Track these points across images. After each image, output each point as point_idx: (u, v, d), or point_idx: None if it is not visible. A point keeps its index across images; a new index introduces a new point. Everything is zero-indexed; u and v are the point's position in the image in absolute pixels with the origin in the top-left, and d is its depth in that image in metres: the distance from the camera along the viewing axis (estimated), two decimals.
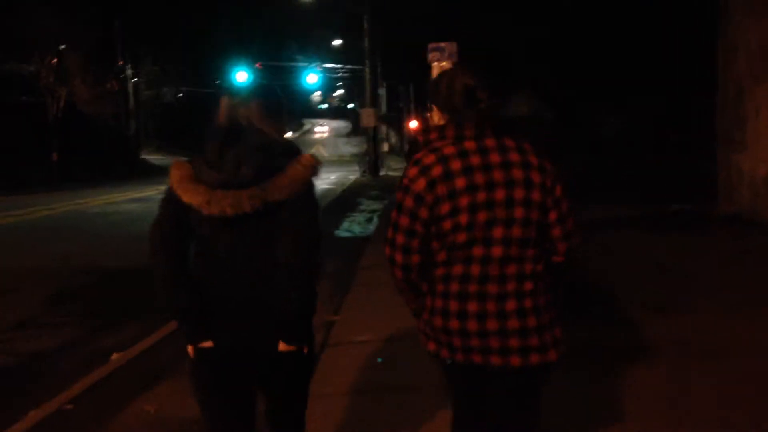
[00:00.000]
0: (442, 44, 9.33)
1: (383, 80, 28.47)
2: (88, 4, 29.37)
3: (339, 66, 32.27)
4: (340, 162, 38.93)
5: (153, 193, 20.04)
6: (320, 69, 31.94)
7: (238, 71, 30.64)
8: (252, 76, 30.77)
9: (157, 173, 33.15)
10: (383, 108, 28.42)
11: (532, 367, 2.09)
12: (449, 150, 2.06)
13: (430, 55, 9.36)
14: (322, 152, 51.12)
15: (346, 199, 17.15)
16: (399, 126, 37.31)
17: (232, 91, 2.34)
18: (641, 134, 28.55)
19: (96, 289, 7.38)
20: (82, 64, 30.09)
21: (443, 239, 2.07)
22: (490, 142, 2.08)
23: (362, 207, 15.48)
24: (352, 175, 28.18)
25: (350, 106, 72.30)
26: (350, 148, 53.83)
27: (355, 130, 56.31)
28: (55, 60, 27.66)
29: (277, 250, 2.11)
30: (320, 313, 2.54)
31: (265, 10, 42.28)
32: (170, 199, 2.16)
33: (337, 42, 35.41)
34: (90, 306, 6.65)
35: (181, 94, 50.84)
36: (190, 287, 2.18)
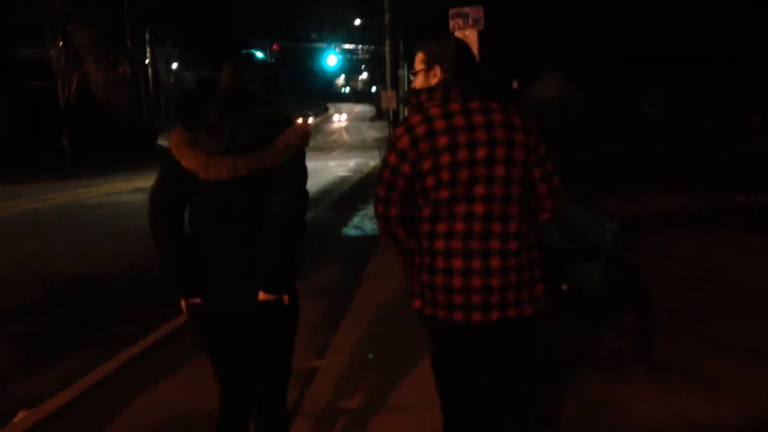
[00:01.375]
0: (466, 9, 7.93)
1: (405, 61, 26.92)
2: None
3: (359, 47, 30.77)
4: (362, 147, 37.55)
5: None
6: (340, 50, 30.52)
7: (255, 53, 29.37)
8: (267, 57, 29.59)
9: None
10: (405, 90, 26.92)
11: (510, 320, 2.17)
12: (435, 111, 2.18)
13: (452, 22, 7.98)
14: (345, 137, 49.71)
15: (362, 189, 15.77)
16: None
17: (233, 61, 2.42)
18: (703, 112, 26.51)
19: (38, 307, 5.96)
20: (94, 46, 28.96)
21: (427, 196, 2.18)
22: (474, 105, 2.19)
23: None
24: (372, 161, 26.85)
25: (374, 89, 70.81)
26: (373, 132, 52.04)
27: (380, 114, 54.84)
28: (61, 42, 26.41)
29: (266, 208, 2.22)
30: (302, 353, 2.57)
31: None
32: (169, 164, 2.28)
33: (358, 22, 33.86)
34: (22, 330, 5.28)
35: (206, 80, 50.09)
36: (183, 247, 2.31)
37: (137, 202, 13.78)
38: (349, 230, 9.37)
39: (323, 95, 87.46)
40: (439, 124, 2.14)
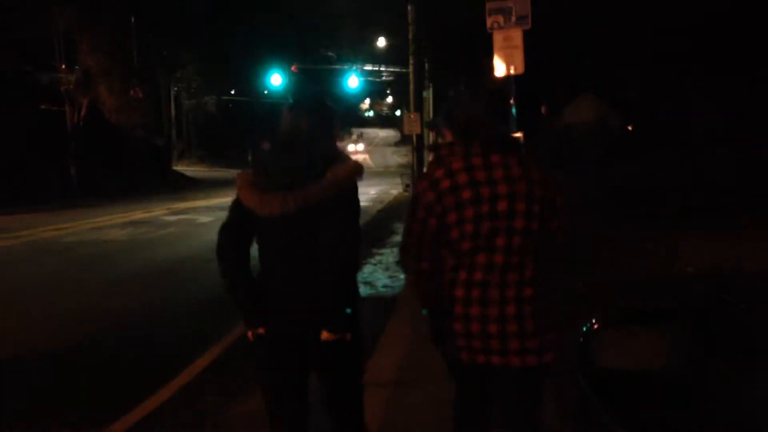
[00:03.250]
0: (509, 2, 6.12)
1: (430, 82, 25.22)
2: (112, 4, 27.03)
3: (381, 68, 29.19)
4: (385, 173, 35.97)
5: (161, 212, 17.32)
6: (361, 71, 28.93)
7: (272, 74, 28.07)
8: (286, 79, 28.21)
9: (191, 187, 30.81)
10: (429, 113, 25.15)
11: (530, 367, 2.28)
12: (457, 165, 2.31)
13: (490, 20, 6.23)
14: (369, 162, 48.37)
15: (379, 224, 14.00)
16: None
17: (291, 106, 2.58)
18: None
19: None
20: (105, 69, 27.78)
21: (451, 247, 2.31)
22: (495, 159, 2.31)
23: (396, 238, 12.09)
24: (394, 189, 25.08)
25: (398, 113, 69.40)
26: (398, 158, 50.73)
27: (404, 139, 53.40)
28: (64, 65, 25.20)
29: (320, 244, 2.32)
30: None
31: (303, 13, 39.56)
32: (236, 203, 2.49)
33: (381, 42, 32.37)
34: None
35: (228, 104, 49.14)
36: (249, 281, 2.47)
37: (122, 241, 12.17)
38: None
39: (348, 120, 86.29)
40: (462, 178, 2.28)
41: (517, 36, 6.23)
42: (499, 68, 6.69)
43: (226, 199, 18.87)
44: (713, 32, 23.68)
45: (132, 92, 28.30)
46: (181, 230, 13.60)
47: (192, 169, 43.40)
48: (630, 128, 30.26)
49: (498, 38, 6.24)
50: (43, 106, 25.64)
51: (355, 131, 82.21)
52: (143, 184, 28.75)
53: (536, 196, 2.28)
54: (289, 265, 2.42)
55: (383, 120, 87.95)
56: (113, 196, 23.97)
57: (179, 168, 40.61)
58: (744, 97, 25.29)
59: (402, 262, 2.46)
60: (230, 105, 50.48)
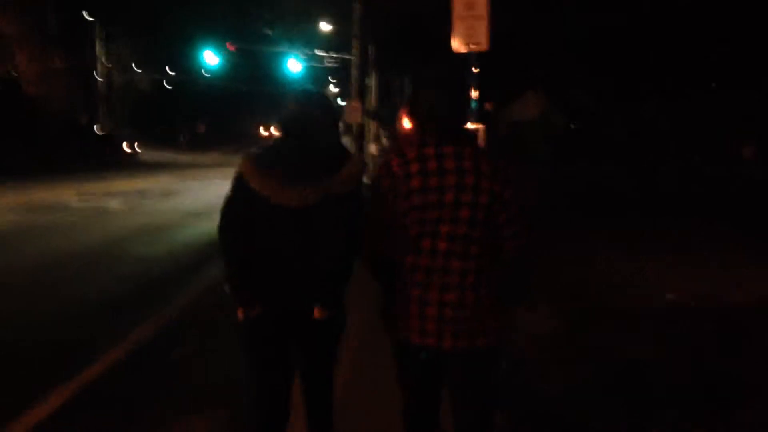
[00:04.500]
0: None
1: (375, 69, 23.97)
2: None
3: (324, 54, 27.76)
4: None
5: (70, 196, 15.54)
6: (304, 56, 27.42)
7: (206, 51, 26.32)
8: (222, 58, 26.53)
9: (114, 167, 28.67)
10: (372, 102, 23.92)
11: (463, 350, 2.38)
12: (411, 154, 2.40)
13: None
14: None
15: None
16: (392, 125, 32.91)
17: (299, 98, 2.67)
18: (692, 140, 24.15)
19: None
20: (24, 34, 25.42)
21: (402, 232, 2.39)
22: (448, 150, 2.38)
23: None
24: None
25: (343, 103, 67.88)
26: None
27: (348, 130, 51.85)
28: None
29: (328, 236, 2.49)
30: None
31: None
32: (240, 185, 2.53)
33: (326, 27, 30.89)
34: None
35: (162, 82, 46.54)
36: (246, 262, 2.54)
37: (6, 230, 10.51)
38: None
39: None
40: (414, 167, 2.37)
41: (481, 4, 5.09)
42: (458, 43, 5.58)
43: (148, 184, 16.96)
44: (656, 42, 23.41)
45: (51, 61, 25.91)
46: (84, 218, 11.99)
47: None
48: (573, 126, 29.85)
49: (458, 5, 5.08)
50: None
51: None
52: (62, 163, 26.50)
53: (484, 188, 2.34)
54: (292, 250, 2.52)
55: None
56: (25, 175, 21.81)
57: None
58: (690, 106, 25.15)
59: (361, 251, 2.54)
60: (165, 83, 47.93)
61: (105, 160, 31.21)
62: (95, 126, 34.58)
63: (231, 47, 26.82)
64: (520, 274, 2.48)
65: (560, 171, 19.88)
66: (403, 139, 3.36)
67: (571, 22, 21.47)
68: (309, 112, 2.59)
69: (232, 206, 2.58)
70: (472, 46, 5.72)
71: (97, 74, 41.28)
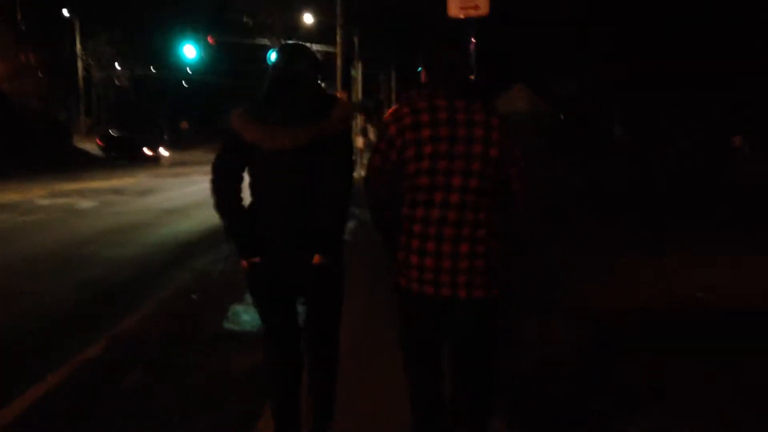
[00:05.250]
0: None
1: (361, 61, 23.24)
2: None
3: (308, 46, 26.96)
4: None
5: (38, 194, 14.71)
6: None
7: (185, 45, 25.45)
8: (203, 53, 25.71)
9: (92, 166, 27.61)
10: (358, 93, 23.18)
11: (477, 300, 2.41)
12: (422, 104, 2.42)
13: None
14: None
15: None
16: (378, 119, 32.22)
17: (284, 49, 2.72)
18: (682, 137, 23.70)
19: None
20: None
21: (408, 182, 2.41)
22: (459, 103, 2.42)
23: None
24: None
25: None
26: None
27: None
28: None
29: (320, 177, 2.53)
30: None
31: None
32: (231, 138, 2.59)
33: (309, 20, 30.14)
34: None
35: (142, 78, 45.44)
36: (243, 213, 2.62)
37: None
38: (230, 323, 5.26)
39: None
40: (425, 117, 2.39)
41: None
42: (455, 7, 4.92)
43: (125, 182, 16.04)
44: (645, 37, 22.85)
45: (23, 57, 24.94)
46: (50, 217, 11.20)
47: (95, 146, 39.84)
48: (562, 117, 29.26)
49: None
50: None
51: None
52: (36, 162, 25.50)
53: (494, 141, 2.38)
54: (287, 197, 2.56)
55: None
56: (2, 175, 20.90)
57: (88, 145, 37.06)
58: (681, 103, 24.66)
59: (366, 194, 2.52)
60: (145, 80, 46.85)
61: (78, 158, 30.31)
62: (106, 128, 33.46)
63: (211, 41, 25.98)
64: (527, 219, 2.50)
65: (554, 166, 19.30)
66: (406, 92, 2.42)
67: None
68: (296, 62, 2.63)
69: (224, 160, 2.62)
70: (470, 11, 5.07)
71: (75, 71, 40.33)
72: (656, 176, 17.80)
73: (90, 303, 5.85)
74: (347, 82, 18.35)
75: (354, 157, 2.68)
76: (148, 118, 45.33)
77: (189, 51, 25.48)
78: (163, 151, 32.35)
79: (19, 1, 25.51)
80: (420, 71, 2.56)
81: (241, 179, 2.64)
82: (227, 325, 4.80)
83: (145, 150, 30.67)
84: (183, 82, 46.97)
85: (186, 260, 7.69)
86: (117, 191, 16.19)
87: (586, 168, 19.72)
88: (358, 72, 22.75)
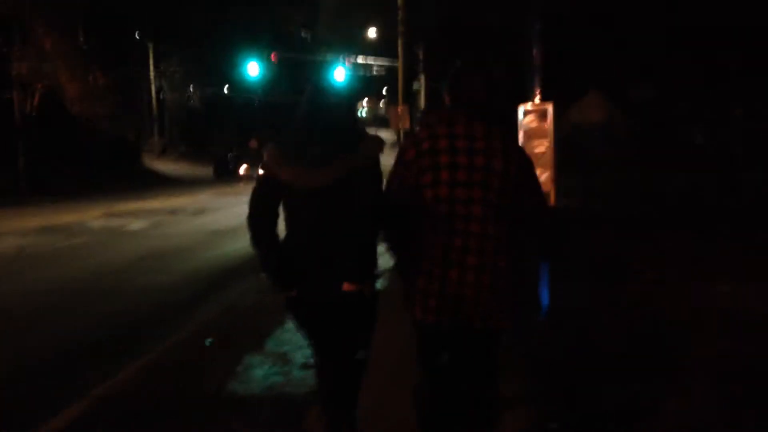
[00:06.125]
0: None
1: (425, 73, 22.40)
2: None
3: (371, 62, 26.47)
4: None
5: (94, 215, 14.49)
6: (350, 63, 26.13)
7: (249, 62, 25.37)
8: (264, 70, 25.54)
9: (160, 186, 27.80)
10: (421, 107, 22.34)
11: (480, 331, 2.43)
12: (441, 130, 2.44)
13: None
14: None
15: None
16: None
17: (316, 86, 2.75)
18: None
19: None
20: (67, 53, 24.90)
21: (426, 210, 2.41)
22: (478, 129, 2.42)
23: None
24: None
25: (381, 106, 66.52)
26: (392, 160, 47.86)
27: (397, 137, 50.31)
28: (15, 46, 22.37)
29: (352, 211, 2.55)
30: None
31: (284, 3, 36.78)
32: (266, 177, 2.65)
33: (372, 34, 29.65)
34: None
35: (212, 98, 46.11)
36: (278, 248, 2.65)
37: (5, 255, 9.32)
38: (237, 383, 4.34)
39: None
40: (443, 143, 2.40)
41: None
42: None
43: (184, 201, 15.68)
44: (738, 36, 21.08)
45: (91, 79, 25.33)
46: (95, 240, 10.81)
47: (173, 166, 40.45)
48: (640, 129, 27.52)
49: None
50: None
51: None
52: (106, 182, 25.86)
53: (512, 173, 2.37)
54: (320, 232, 2.59)
55: (379, 120, 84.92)
56: (66, 195, 21.14)
57: (160, 165, 37.73)
58: None
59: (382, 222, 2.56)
60: (216, 99, 47.53)
61: (147, 178, 30.67)
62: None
63: (274, 58, 25.77)
64: (545, 231, 2.52)
65: (632, 179, 17.85)
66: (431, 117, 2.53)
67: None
68: (323, 100, 2.68)
69: (259, 197, 2.68)
70: None
71: (146, 92, 41.27)
72: (745, 186, 16.11)
73: (94, 347, 5.16)
74: (409, 96, 17.51)
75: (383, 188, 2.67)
76: (219, 137, 45.94)
77: (252, 68, 25.37)
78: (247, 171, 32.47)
79: (84, 22, 25.90)
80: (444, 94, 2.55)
81: (277, 214, 2.67)
82: (234, 386, 3.95)
83: (241, 171, 30.64)
84: (254, 101, 47.35)
85: (218, 290, 6.99)
86: (173, 211, 15.86)
87: (667, 178, 18.13)
88: (421, 85, 21.94)
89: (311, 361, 4.36)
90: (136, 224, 13.02)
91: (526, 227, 2.48)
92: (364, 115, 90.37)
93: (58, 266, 8.51)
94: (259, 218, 2.66)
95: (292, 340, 4.68)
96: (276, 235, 2.65)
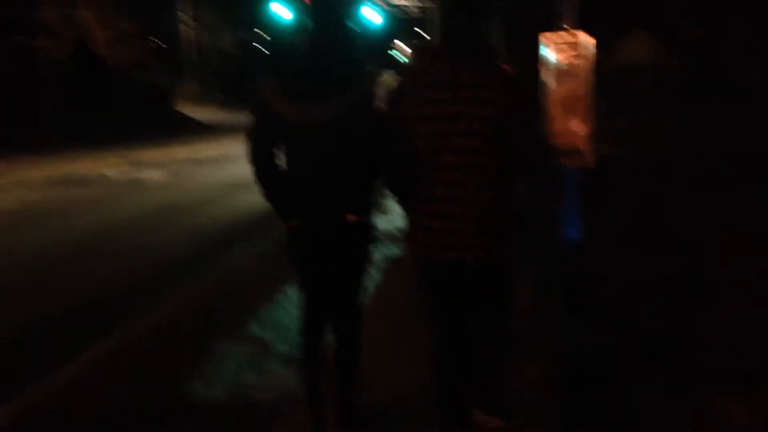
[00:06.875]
0: None
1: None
2: None
3: (405, 2, 25.17)
4: None
5: (116, 166, 14.01)
6: (382, 3, 24.88)
7: (272, 2, 24.39)
8: (294, 11, 24.54)
9: (193, 134, 27.32)
10: None
11: (470, 264, 2.42)
12: (428, 66, 2.45)
13: None
14: None
15: None
16: None
17: (316, 23, 2.67)
18: None
19: None
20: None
21: (410, 142, 2.42)
22: (465, 63, 2.38)
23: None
24: None
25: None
26: None
27: None
28: None
29: (352, 146, 2.58)
30: None
31: None
32: (263, 109, 2.63)
33: None
34: None
35: (248, 43, 45.22)
36: (280, 179, 2.67)
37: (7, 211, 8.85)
38: (200, 383, 3.70)
39: (378, 63, 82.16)
40: (429, 78, 2.41)
41: None
42: None
43: (213, 150, 15.23)
44: None
45: (121, 24, 24.69)
46: (105, 193, 10.27)
47: (210, 114, 39.92)
48: (689, 69, 25.75)
49: None
50: (19, 38, 22.37)
51: (386, 73, 77.66)
52: (137, 130, 25.43)
53: (499, 102, 2.34)
54: (320, 165, 2.59)
55: None
56: (95, 143, 20.76)
57: (196, 113, 37.22)
58: None
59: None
60: (248, 44, 46.63)
61: (182, 126, 30.23)
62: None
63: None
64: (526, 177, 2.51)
65: (685, 125, 16.52)
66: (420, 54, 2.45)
67: None
68: (326, 37, 2.64)
69: (257, 131, 2.67)
70: None
71: (182, 38, 40.62)
72: None
73: (109, 297, 4.64)
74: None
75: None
76: (253, 83, 45.29)
77: (276, 8, 24.41)
78: None
79: None
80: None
81: (277, 147, 2.66)
82: (197, 387, 3.26)
83: None
84: (290, 45, 46.34)
85: (217, 253, 6.34)
86: (198, 161, 15.31)
87: (723, 123, 16.71)
88: None
89: (294, 354, 3.71)
90: (155, 175, 12.48)
91: (516, 159, 2.42)
92: (395, 55, 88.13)
93: (57, 223, 7.97)
94: (259, 151, 2.67)
95: (278, 321, 3.99)
96: (276, 167, 2.66)
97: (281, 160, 2.68)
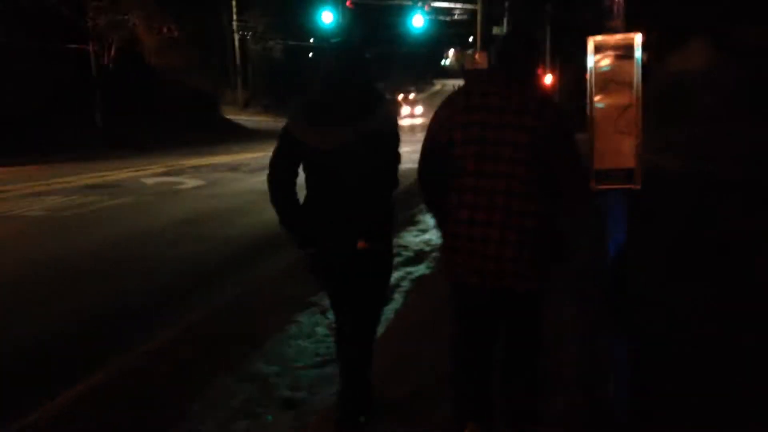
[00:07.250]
0: None
1: (509, 18, 20.54)
2: None
3: (451, 5, 24.71)
4: None
5: (151, 171, 13.94)
6: (428, 9, 24.48)
7: (323, 12, 24.28)
8: (338, 17, 24.35)
9: (236, 139, 27.37)
10: None
11: (504, 291, 2.37)
12: (476, 88, 2.46)
13: None
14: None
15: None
16: None
17: (331, 48, 2.81)
18: None
19: None
20: (146, 4, 24.52)
21: (455, 167, 2.40)
22: (513, 89, 2.39)
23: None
24: None
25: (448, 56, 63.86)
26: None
27: None
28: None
29: (368, 170, 2.62)
30: None
31: None
32: (286, 136, 2.71)
33: None
34: None
35: (294, 49, 45.38)
36: (297, 207, 2.71)
37: (32, 216, 8.74)
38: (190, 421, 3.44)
39: (430, 70, 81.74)
40: (476, 101, 2.41)
41: None
42: None
43: (252, 156, 15.01)
44: None
45: (166, 30, 24.90)
46: (139, 201, 10.11)
47: (256, 118, 40.19)
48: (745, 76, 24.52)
49: None
50: (67, 46, 22.72)
51: (438, 82, 77.13)
52: (183, 136, 25.57)
53: (541, 130, 2.33)
54: (336, 189, 2.65)
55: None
56: (141, 149, 20.91)
57: (242, 118, 37.49)
58: None
59: (417, 176, 2.57)
60: (298, 50, 46.79)
61: (226, 130, 30.33)
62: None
63: (350, 4, 24.49)
64: (569, 210, 2.43)
65: (744, 136, 15.61)
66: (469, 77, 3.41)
67: None
68: (342, 66, 2.69)
69: (279, 156, 2.71)
70: None
71: (228, 44, 40.97)
72: None
73: (50, 349, 4.23)
74: (488, 41, 15.89)
75: (400, 150, 2.71)
76: (300, 88, 45.38)
77: (326, 17, 24.30)
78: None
79: None
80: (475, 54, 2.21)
81: (296, 174, 2.70)
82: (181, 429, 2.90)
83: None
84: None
85: (239, 268, 6.03)
86: (235, 167, 15.17)
87: None
88: (502, 31, 20.12)
89: (296, 394, 3.31)
90: (191, 182, 12.33)
91: (556, 188, 2.39)
92: (446, 63, 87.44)
93: (82, 232, 7.80)
94: (278, 176, 2.70)
95: (286, 356, 3.61)
96: (294, 193, 2.69)
97: (300, 189, 2.72)
